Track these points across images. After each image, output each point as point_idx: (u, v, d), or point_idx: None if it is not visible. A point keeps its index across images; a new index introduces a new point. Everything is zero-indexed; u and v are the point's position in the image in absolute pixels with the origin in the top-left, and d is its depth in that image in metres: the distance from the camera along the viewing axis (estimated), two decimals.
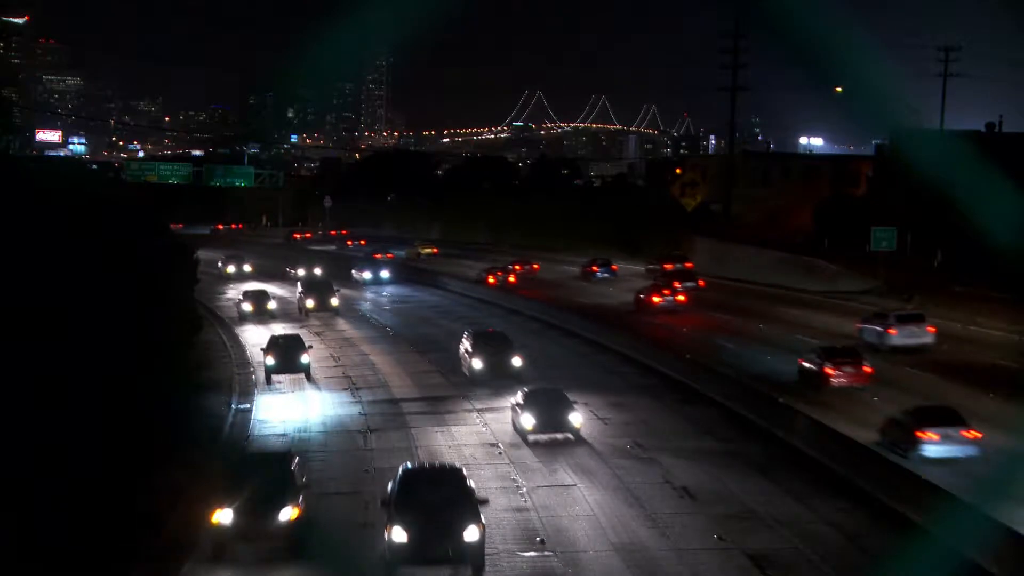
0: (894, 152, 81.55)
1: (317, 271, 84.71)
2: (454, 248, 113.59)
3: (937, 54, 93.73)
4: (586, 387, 42.27)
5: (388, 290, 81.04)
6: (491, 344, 44.96)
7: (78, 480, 25.76)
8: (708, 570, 24.19)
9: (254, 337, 56.10)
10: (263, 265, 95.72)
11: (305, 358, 46.37)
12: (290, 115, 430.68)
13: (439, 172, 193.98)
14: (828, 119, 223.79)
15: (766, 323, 56.38)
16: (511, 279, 79.54)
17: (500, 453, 33.95)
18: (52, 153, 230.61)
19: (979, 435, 31.29)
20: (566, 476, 31.20)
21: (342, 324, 63.12)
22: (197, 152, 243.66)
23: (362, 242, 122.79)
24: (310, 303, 65.72)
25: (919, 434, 31.06)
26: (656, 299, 63.33)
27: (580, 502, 28.92)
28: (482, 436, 36.26)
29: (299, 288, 69.00)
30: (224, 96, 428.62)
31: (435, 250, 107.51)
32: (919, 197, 66.39)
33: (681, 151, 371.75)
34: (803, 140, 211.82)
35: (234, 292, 74.15)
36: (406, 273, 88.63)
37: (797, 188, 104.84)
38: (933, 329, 47.46)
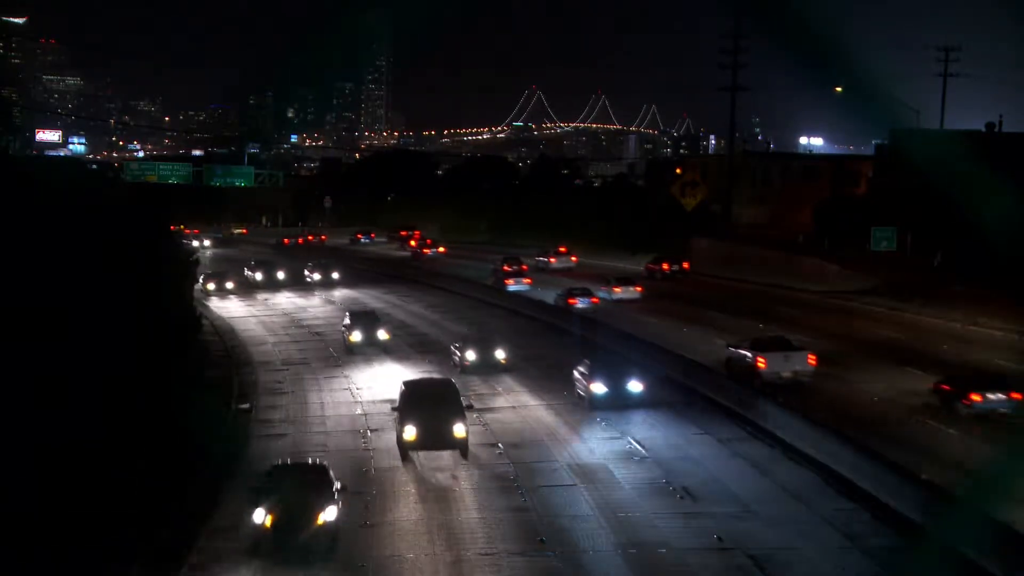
0: (894, 152, 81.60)
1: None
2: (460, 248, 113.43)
3: (937, 54, 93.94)
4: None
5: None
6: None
7: (78, 480, 25.76)
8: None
9: (376, 385, 45.30)
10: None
11: (460, 429, 32.38)
12: (290, 115, 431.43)
13: (439, 172, 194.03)
14: (828, 119, 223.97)
15: (765, 323, 56.32)
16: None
17: (500, 453, 33.97)
18: (52, 153, 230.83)
19: (813, 360, 41.85)
20: (566, 477, 31.19)
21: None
22: (197, 152, 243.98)
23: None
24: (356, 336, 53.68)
25: (759, 360, 41.58)
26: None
27: (580, 502, 28.90)
28: (481, 436, 36.28)
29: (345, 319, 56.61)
30: (224, 96, 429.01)
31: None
32: (919, 197, 66.47)
33: (681, 151, 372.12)
34: (803, 140, 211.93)
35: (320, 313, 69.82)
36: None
37: (797, 188, 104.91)
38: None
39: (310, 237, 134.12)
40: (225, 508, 28.51)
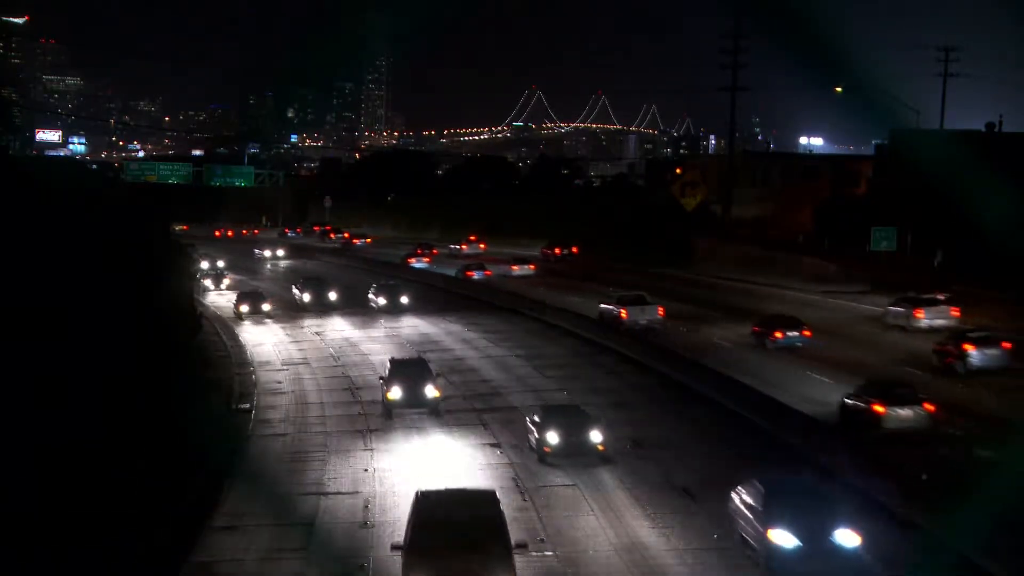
0: (894, 152, 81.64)
1: None
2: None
3: (937, 54, 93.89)
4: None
5: None
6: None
7: (78, 480, 25.76)
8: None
9: None
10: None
11: None
12: (290, 115, 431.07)
13: (439, 172, 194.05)
14: (828, 119, 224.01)
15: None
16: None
17: (501, 453, 33.96)
18: (52, 153, 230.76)
19: (662, 312, 56.10)
20: (565, 477, 31.18)
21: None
22: (197, 152, 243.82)
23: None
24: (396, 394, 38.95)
25: (622, 312, 56.05)
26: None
27: (580, 502, 28.91)
28: (484, 438, 36.35)
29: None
30: (224, 96, 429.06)
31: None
32: (919, 197, 66.46)
33: (681, 151, 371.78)
34: (803, 140, 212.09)
35: None
36: None
37: (797, 188, 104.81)
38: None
39: (229, 232, 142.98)
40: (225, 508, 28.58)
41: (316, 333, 60.42)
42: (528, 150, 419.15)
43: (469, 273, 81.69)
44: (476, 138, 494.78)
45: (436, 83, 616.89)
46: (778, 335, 48.95)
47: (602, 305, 58.57)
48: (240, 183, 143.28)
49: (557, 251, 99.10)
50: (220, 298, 76.52)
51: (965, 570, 22.03)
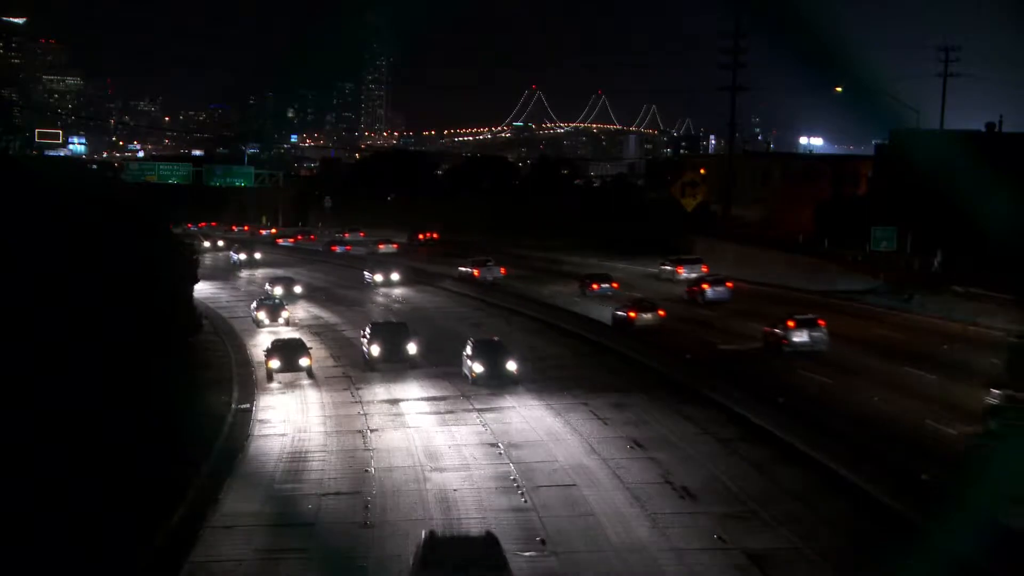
0: (894, 152, 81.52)
1: None
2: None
3: (937, 54, 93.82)
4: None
5: None
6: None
7: (78, 479, 25.75)
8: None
9: None
10: None
11: None
12: (290, 115, 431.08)
13: (439, 172, 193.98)
14: (828, 119, 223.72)
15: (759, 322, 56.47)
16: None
17: (500, 453, 33.97)
18: (52, 153, 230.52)
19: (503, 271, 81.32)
20: (565, 476, 31.18)
21: None
22: (197, 152, 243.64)
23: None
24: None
25: (475, 271, 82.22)
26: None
27: (580, 500, 28.92)
28: (482, 436, 36.39)
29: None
30: (224, 96, 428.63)
31: None
32: (919, 197, 66.38)
33: (681, 151, 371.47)
34: (803, 140, 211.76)
35: None
36: None
37: (797, 188, 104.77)
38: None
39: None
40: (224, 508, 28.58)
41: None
42: (528, 150, 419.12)
43: (333, 248, 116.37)
44: (476, 138, 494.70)
45: (436, 83, 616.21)
46: (594, 287, 70.39)
47: (460, 268, 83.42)
48: (240, 183, 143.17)
49: (420, 236, 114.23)
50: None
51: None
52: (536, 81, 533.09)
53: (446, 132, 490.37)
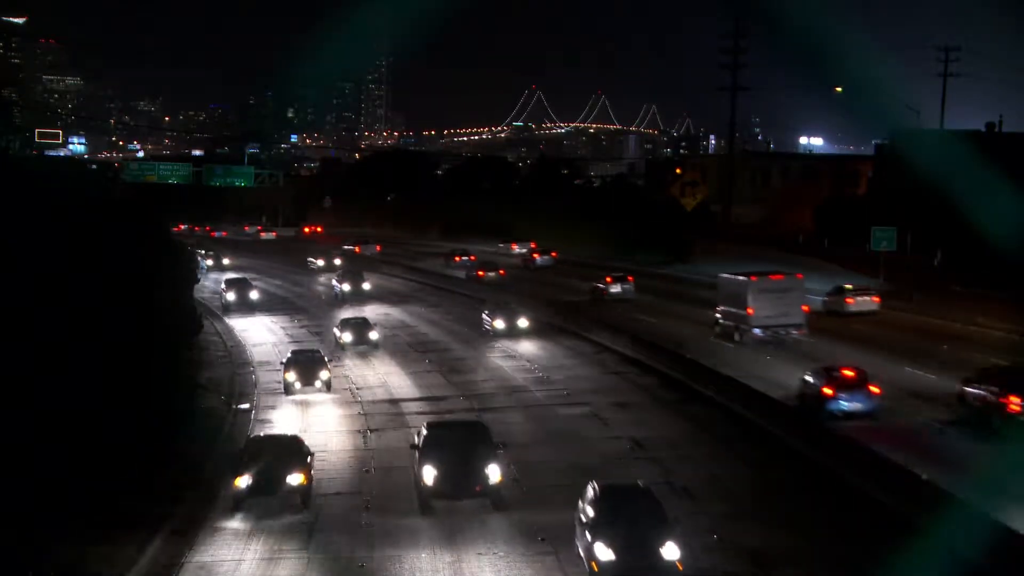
0: (894, 152, 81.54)
1: None
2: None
3: (937, 54, 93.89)
4: None
5: None
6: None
7: (78, 479, 25.76)
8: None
9: None
10: None
11: None
12: (290, 115, 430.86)
13: (439, 172, 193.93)
14: (828, 119, 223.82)
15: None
16: None
17: (499, 453, 33.93)
18: (52, 153, 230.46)
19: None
20: (564, 476, 31.20)
21: None
22: (197, 152, 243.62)
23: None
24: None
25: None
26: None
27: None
28: None
29: None
30: (224, 96, 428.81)
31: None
32: (919, 197, 66.32)
33: (681, 151, 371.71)
34: (803, 140, 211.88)
35: None
36: None
37: (797, 188, 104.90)
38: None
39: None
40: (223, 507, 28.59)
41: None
42: (528, 150, 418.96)
43: (265, 232, 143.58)
44: (476, 138, 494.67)
45: (436, 83, 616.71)
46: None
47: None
48: (240, 183, 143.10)
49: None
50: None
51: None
52: (536, 81, 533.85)
53: (446, 132, 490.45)
